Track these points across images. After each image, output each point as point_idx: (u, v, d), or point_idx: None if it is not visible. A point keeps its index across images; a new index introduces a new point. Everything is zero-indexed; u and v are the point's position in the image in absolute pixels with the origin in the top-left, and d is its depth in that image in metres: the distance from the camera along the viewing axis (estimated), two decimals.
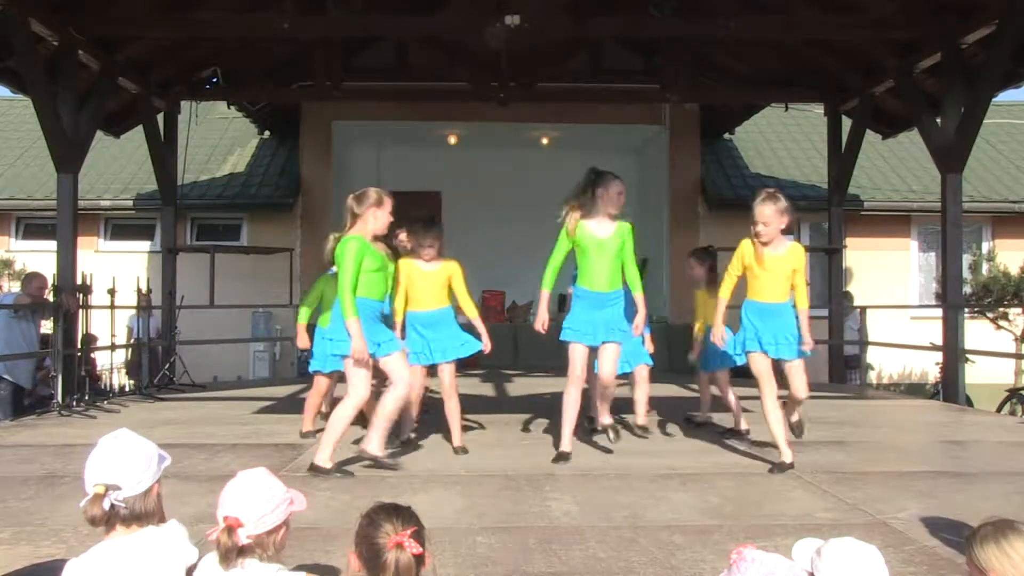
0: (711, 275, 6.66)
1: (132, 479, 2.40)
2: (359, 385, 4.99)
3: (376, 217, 5.06)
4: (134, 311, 10.22)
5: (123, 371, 11.48)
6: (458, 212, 15.29)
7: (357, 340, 4.85)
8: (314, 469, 5.00)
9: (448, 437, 5.97)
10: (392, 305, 5.74)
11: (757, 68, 12.65)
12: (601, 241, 5.41)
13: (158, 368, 10.23)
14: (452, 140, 15.29)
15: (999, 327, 12.52)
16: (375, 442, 5.09)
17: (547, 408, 7.92)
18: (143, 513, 2.41)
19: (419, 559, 2.15)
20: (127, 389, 10.62)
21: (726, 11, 9.36)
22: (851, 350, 12.12)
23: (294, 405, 7.66)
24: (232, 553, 2.25)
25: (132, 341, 10.39)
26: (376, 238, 5.16)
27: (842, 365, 11.85)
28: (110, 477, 2.38)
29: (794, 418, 5.65)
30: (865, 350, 10.99)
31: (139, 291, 9.95)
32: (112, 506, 2.37)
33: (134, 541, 2.38)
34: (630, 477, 5.08)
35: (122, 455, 2.42)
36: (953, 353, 9.04)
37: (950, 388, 9.04)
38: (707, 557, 3.51)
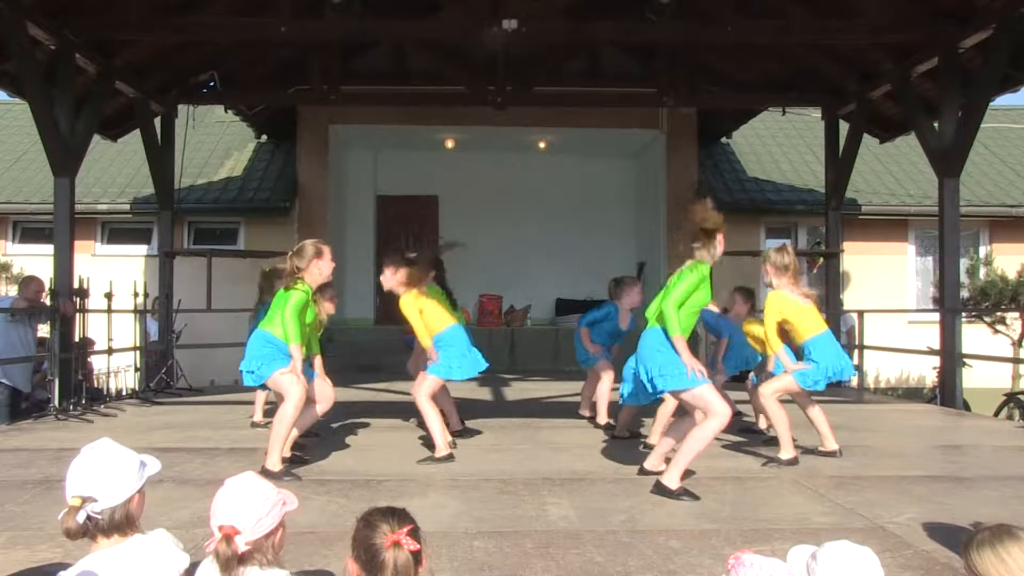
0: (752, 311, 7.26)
1: (110, 491, 2.34)
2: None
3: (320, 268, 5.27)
4: (149, 314, 10.45)
5: (126, 374, 11.47)
6: (456, 216, 15.34)
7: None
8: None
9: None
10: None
11: (755, 72, 12.65)
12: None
13: (170, 370, 10.38)
14: (449, 144, 15.30)
15: (996, 331, 12.54)
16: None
17: (544, 412, 7.93)
18: (124, 523, 2.35)
19: (417, 556, 2.13)
20: (124, 393, 10.61)
21: (724, 16, 9.37)
22: None
23: None
24: (232, 562, 2.21)
25: (146, 343, 10.49)
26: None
27: None
28: (87, 489, 2.32)
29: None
30: (861, 354, 11.00)
31: (145, 294, 10.32)
32: (90, 517, 2.31)
33: (123, 551, 2.33)
34: (627, 482, 5.07)
35: (100, 467, 2.36)
36: (950, 357, 9.04)
37: (947, 392, 9.03)
38: (704, 562, 3.50)
